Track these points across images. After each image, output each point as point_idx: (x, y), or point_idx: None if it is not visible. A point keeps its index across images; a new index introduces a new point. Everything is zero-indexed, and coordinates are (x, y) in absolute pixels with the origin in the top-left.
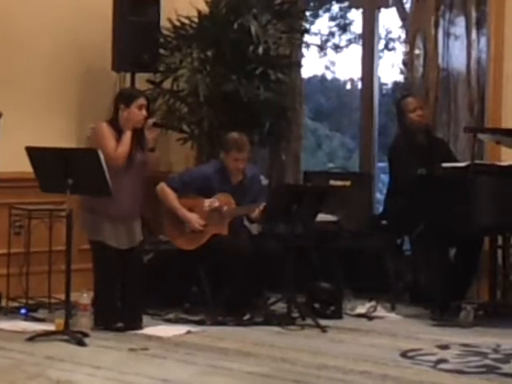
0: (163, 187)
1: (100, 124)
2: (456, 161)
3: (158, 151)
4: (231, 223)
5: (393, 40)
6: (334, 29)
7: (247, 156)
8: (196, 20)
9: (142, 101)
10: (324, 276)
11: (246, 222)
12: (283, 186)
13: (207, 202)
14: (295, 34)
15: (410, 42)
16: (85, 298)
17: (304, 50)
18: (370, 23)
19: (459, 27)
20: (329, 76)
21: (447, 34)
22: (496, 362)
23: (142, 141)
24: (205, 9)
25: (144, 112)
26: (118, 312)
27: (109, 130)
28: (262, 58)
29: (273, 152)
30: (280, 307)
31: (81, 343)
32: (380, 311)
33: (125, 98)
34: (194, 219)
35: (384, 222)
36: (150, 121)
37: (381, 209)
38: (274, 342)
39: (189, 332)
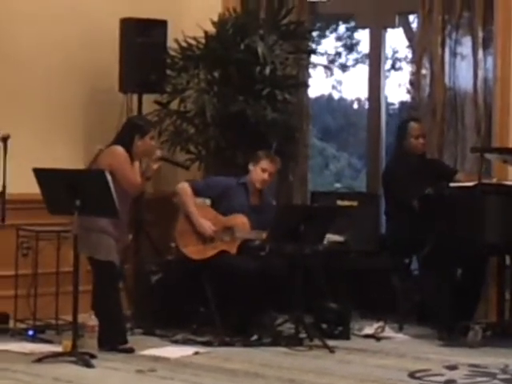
0: (184, 186)
1: (119, 149)
2: (454, 173)
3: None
4: (242, 246)
5: (399, 60)
6: (341, 49)
7: (274, 171)
8: (203, 41)
9: (153, 132)
10: (331, 296)
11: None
12: (290, 207)
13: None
14: (302, 55)
15: (416, 61)
16: (92, 319)
17: (311, 71)
18: (376, 43)
19: (466, 47)
20: (336, 96)
21: (454, 54)
22: (505, 383)
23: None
24: (211, 30)
25: (154, 142)
26: (126, 333)
27: (127, 156)
28: (268, 78)
29: (280, 172)
30: (287, 328)
31: (88, 365)
32: (388, 331)
33: (141, 128)
34: (208, 224)
35: (387, 243)
36: (159, 153)
37: None
38: (282, 363)
39: (196, 353)
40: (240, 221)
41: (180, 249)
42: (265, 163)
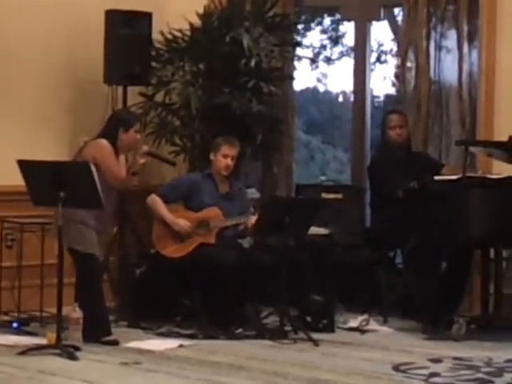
0: (153, 196)
1: (103, 142)
2: (440, 166)
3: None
4: (219, 234)
5: (385, 53)
6: (326, 41)
7: (236, 155)
8: (188, 33)
9: (138, 125)
10: (316, 289)
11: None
12: (275, 199)
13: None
14: (287, 47)
15: (401, 54)
16: (76, 311)
17: (296, 63)
18: (361, 36)
19: (451, 40)
20: (321, 89)
21: (439, 47)
22: (488, 376)
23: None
24: (197, 22)
25: (139, 136)
26: (110, 325)
27: (112, 149)
28: (254, 70)
29: (265, 165)
30: (272, 320)
31: (72, 357)
32: (372, 324)
33: (125, 121)
34: (183, 221)
35: (371, 236)
36: (145, 148)
37: None
38: (266, 356)
39: (181, 346)
40: (213, 213)
41: (160, 252)
42: (225, 149)
